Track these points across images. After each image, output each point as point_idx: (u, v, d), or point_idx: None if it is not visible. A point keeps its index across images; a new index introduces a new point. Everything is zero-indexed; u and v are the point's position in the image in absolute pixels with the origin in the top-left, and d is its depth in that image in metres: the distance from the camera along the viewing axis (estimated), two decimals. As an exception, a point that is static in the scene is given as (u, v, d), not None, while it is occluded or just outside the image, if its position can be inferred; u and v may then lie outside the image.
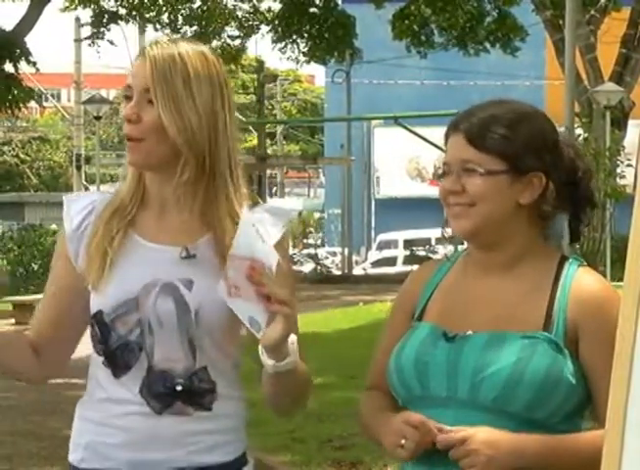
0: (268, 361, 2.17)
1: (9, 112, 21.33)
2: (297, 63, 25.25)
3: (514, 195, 2.20)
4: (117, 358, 2.24)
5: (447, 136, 2.26)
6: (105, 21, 24.42)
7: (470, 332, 2.18)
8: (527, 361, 2.12)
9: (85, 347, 2.36)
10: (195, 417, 2.23)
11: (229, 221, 2.25)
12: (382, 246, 35.18)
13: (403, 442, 2.12)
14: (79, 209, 2.31)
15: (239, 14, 25.49)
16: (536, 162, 2.21)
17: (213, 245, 2.24)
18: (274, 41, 24.76)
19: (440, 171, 2.26)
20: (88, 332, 2.30)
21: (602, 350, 2.12)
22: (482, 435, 2.08)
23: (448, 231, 2.29)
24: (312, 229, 46.27)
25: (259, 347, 2.18)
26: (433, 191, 2.34)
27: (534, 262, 2.23)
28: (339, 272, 30.42)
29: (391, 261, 30.80)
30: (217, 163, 2.26)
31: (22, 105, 21.04)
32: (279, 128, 50.18)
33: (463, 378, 2.15)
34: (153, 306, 2.22)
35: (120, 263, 2.24)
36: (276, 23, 24.63)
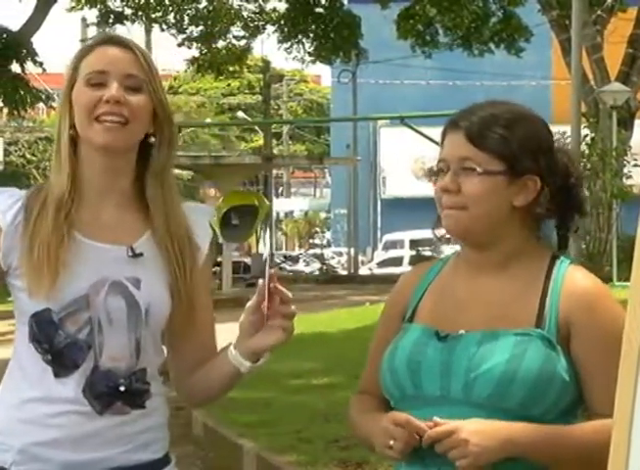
0: (245, 363, 2.22)
1: (15, 112, 21.35)
2: (303, 63, 25.29)
3: (509, 197, 2.21)
4: (64, 357, 2.21)
5: (445, 133, 2.26)
6: (111, 21, 24.44)
7: (462, 331, 2.19)
8: (521, 358, 2.12)
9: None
10: (132, 416, 2.24)
11: (170, 219, 2.28)
12: (388, 246, 35.17)
13: (392, 442, 2.12)
14: (9, 203, 2.27)
15: (245, 14, 25.49)
16: (532, 164, 2.21)
17: (154, 243, 2.26)
18: (280, 41, 24.76)
19: (436, 169, 2.26)
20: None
21: (594, 346, 2.14)
22: (472, 425, 2.08)
23: (440, 232, 2.30)
24: (318, 229, 46.27)
25: (231, 348, 2.23)
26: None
27: (526, 262, 2.24)
28: (345, 272, 30.43)
29: (397, 262, 30.77)
30: (170, 154, 2.32)
31: (28, 105, 21.05)
32: (285, 128, 50.18)
33: (456, 377, 2.16)
34: (103, 304, 2.21)
35: (66, 262, 2.21)
36: (282, 23, 24.63)
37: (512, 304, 2.20)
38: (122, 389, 2.21)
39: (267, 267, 2.17)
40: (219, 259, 22.31)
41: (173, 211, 2.29)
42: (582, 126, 14.02)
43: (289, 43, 24.68)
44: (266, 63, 34.16)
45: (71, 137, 2.27)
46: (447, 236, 2.32)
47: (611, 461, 1.88)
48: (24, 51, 21.00)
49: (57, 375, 2.21)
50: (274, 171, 35.78)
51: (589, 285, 2.21)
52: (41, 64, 21.45)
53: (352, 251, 30.76)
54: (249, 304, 2.21)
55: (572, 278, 2.21)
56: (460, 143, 2.21)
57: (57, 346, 2.21)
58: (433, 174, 2.26)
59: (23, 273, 2.23)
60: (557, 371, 2.14)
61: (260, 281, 2.17)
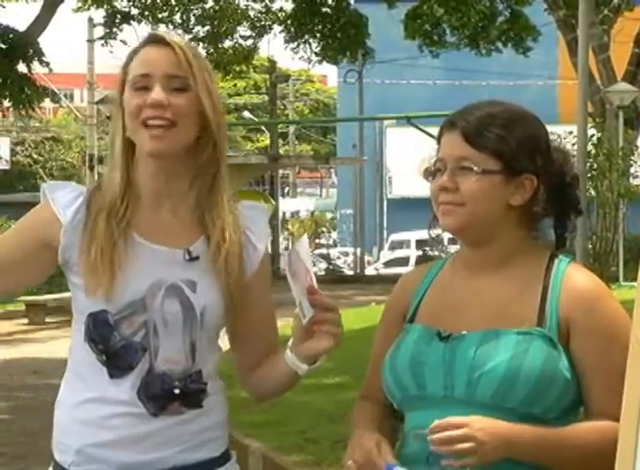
0: (302, 366, 2.24)
1: (22, 112, 21.37)
2: (310, 63, 25.25)
3: (505, 196, 2.22)
4: (119, 359, 2.21)
5: (441, 133, 2.27)
6: (117, 21, 24.44)
7: (464, 331, 2.19)
8: (523, 357, 2.13)
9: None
10: (188, 416, 2.24)
11: (225, 223, 2.26)
12: (394, 246, 35.16)
13: (350, 462, 2.15)
14: (70, 199, 2.28)
15: (251, 14, 25.48)
16: (529, 163, 2.22)
17: (209, 246, 2.25)
18: (286, 41, 24.74)
19: (433, 168, 2.26)
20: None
21: (594, 345, 2.15)
22: (479, 423, 2.07)
23: (436, 231, 2.31)
24: (324, 229, 46.24)
25: (287, 352, 2.24)
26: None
27: (524, 261, 2.24)
28: (351, 272, 30.42)
29: (404, 262, 30.73)
30: (222, 156, 2.29)
31: (35, 104, 21.07)
32: (291, 128, 50.17)
33: (460, 376, 2.16)
34: (160, 308, 2.21)
35: (123, 264, 2.21)
36: (288, 22, 24.62)
37: (512, 303, 2.20)
38: (177, 391, 2.22)
39: (312, 279, 2.18)
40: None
41: (227, 214, 2.27)
42: (589, 126, 13.97)
43: (295, 43, 24.66)
44: (272, 63, 34.12)
45: (127, 140, 2.26)
46: (445, 236, 2.34)
47: (618, 461, 1.88)
48: (31, 51, 20.99)
49: (112, 376, 2.22)
50: (280, 171, 35.75)
51: (589, 284, 2.21)
52: (48, 64, 21.44)
53: (359, 251, 30.74)
54: (297, 310, 2.21)
55: (572, 277, 2.21)
56: (457, 143, 2.21)
57: (112, 347, 2.21)
58: (430, 174, 2.27)
59: (81, 271, 2.23)
60: (559, 369, 2.14)
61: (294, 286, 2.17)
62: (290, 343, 2.25)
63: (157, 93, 2.20)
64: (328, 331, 2.19)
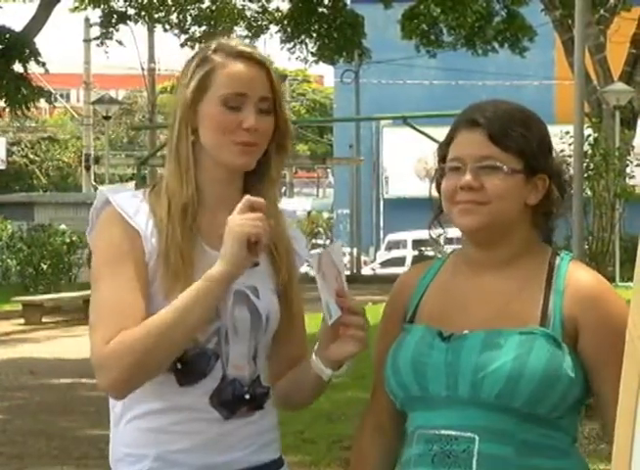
0: (326, 371, 2.22)
1: (19, 112, 21.36)
2: (306, 63, 25.25)
3: (524, 195, 2.22)
4: (193, 366, 2.21)
5: (457, 131, 2.24)
6: (114, 21, 24.44)
7: (466, 331, 2.19)
8: (527, 356, 2.12)
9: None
10: (255, 417, 2.28)
11: (282, 229, 2.31)
12: (390, 246, 35.17)
13: None
14: (135, 205, 2.25)
15: (248, 14, 25.49)
16: (545, 163, 2.23)
17: (264, 251, 2.23)
18: (283, 41, 24.75)
19: (448, 167, 2.24)
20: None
21: (601, 341, 2.15)
22: None
23: (437, 232, 2.30)
24: (321, 229, 46.23)
25: (313, 355, 2.24)
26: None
27: (529, 259, 2.24)
28: (347, 272, 30.44)
29: (400, 262, 30.75)
30: (281, 165, 2.36)
31: (31, 103, 21.06)
32: (288, 128, 50.09)
33: (463, 377, 2.15)
34: (231, 314, 2.23)
35: (193, 272, 2.20)
36: (285, 22, 24.63)
37: (515, 302, 2.20)
38: (247, 396, 2.25)
39: (342, 282, 2.19)
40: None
41: (278, 220, 2.30)
42: (585, 126, 13.99)
43: (292, 43, 24.66)
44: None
45: (192, 144, 2.26)
46: (445, 236, 2.33)
47: (614, 460, 1.88)
48: (27, 51, 20.98)
49: (182, 384, 2.21)
50: (277, 171, 35.73)
51: (592, 281, 2.21)
52: (44, 64, 21.43)
53: (355, 251, 30.75)
54: (323, 312, 2.20)
55: (575, 275, 2.21)
56: (480, 142, 2.19)
57: (187, 354, 2.20)
58: (437, 174, 2.26)
59: (161, 276, 2.20)
60: (563, 369, 2.14)
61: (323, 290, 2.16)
62: (316, 347, 2.25)
63: (254, 118, 2.23)
64: (353, 335, 2.18)
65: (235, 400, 2.24)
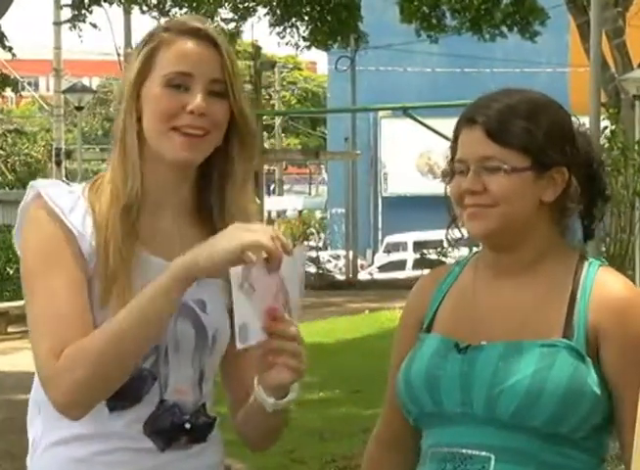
0: (268, 400, 2.09)
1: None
2: (297, 48, 25.25)
3: (537, 192, 2.20)
4: (126, 389, 2.09)
5: (459, 131, 2.24)
6: (87, 2, 24.41)
7: (484, 342, 2.18)
8: (548, 371, 2.11)
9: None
10: (195, 451, 2.19)
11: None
12: (389, 248, 35.20)
13: None
14: (72, 201, 2.15)
15: (233, -5, 25.48)
16: (558, 155, 2.21)
17: None
18: (272, 25, 24.75)
19: (452, 170, 2.24)
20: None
21: (625, 357, 2.14)
22: None
23: (456, 233, 2.29)
24: (314, 230, 46.25)
25: (255, 383, 2.11)
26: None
27: (552, 264, 2.23)
28: (342, 277, 30.43)
29: (400, 265, 30.80)
30: (242, 167, 2.22)
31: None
32: (277, 120, 50.18)
33: (478, 392, 2.15)
34: (173, 330, 2.13)
35: (133, 282, 2.10)
36: (274, 4, 24.62)
37: (537, 311, 2.19)
38: (188, 426, 2.15)
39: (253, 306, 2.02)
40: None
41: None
42: (602, 117, 13.97)
43: (281, 27, 24.66)
44: (257, 48, 34.12)
45: (138, 136, 2.15)
46: (464, 238, 2.31)
47: (634, 464, 1.88)
48: (-8, 35, 20.97)
49: (112, 409, 2.12)
50: (265, 167, 35.78)
51: (622, 290, 2.19)
52: (10, 49, 21.42)
53: (351, 254, 30.76)
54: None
55: (603, 283, 2.19)
56: (479, 141, 2.19)
57: None
58: (447, 175, 2.26)
59: (98, 278, 2.11)
60: (587, 384, 2.13)
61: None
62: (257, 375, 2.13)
63: (201, 99, 2.11)
64: (285, 363, 2.04)
65: (172, 430, 2.13)
